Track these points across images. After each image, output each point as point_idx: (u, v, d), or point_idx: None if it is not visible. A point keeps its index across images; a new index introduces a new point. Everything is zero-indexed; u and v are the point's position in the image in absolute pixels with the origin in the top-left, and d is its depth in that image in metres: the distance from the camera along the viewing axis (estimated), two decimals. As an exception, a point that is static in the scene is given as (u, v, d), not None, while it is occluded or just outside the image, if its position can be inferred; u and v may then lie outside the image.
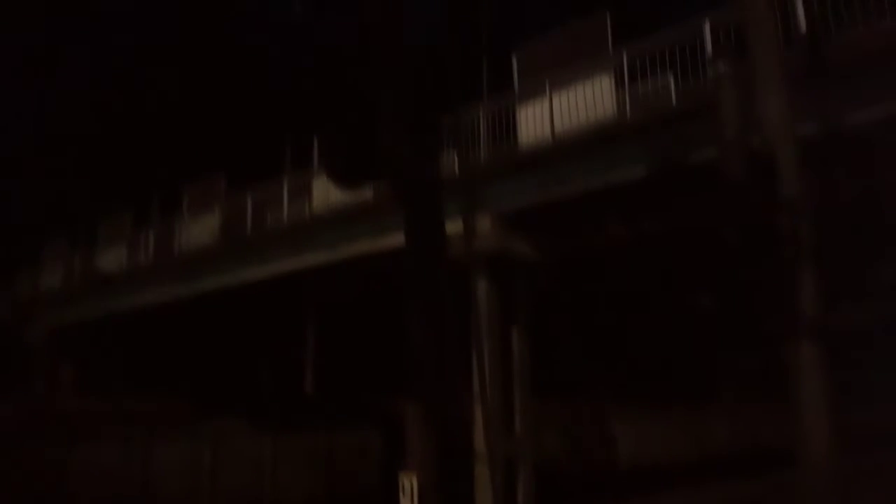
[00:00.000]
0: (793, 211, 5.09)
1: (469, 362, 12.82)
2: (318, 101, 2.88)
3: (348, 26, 3.05)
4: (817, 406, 5.25)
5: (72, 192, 27.35)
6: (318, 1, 3.12)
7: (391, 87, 2.68)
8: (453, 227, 11.27)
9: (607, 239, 13.97)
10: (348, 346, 22.65)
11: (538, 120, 13.27)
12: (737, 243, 6.58)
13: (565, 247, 14.44)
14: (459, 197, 11.62)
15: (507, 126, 13.61)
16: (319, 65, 2.95)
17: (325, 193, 16.55)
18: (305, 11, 3.12)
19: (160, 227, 21.99)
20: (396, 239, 13.06)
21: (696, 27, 10.88)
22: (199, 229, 20.02)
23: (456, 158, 13.17)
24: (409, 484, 12.63)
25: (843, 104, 9.07)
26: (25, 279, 26.85)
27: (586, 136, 12.31)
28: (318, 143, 15.06)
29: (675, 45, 11.21)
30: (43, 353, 24.86)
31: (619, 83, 12.43)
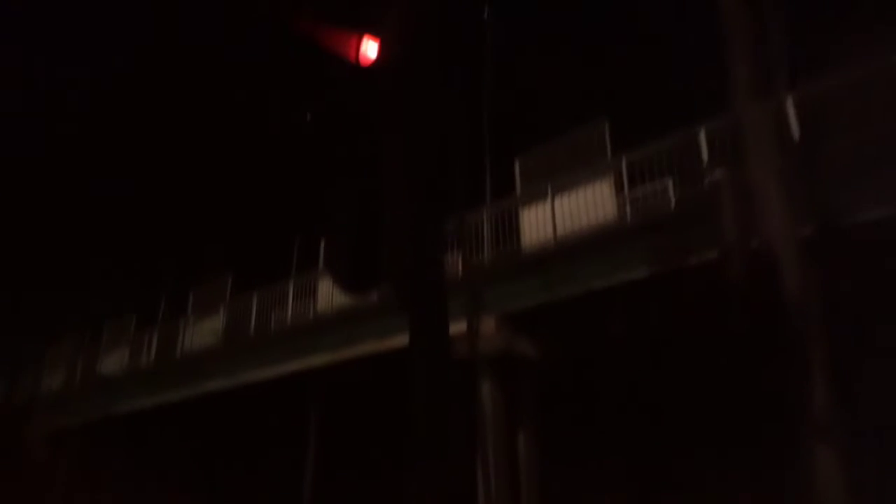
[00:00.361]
0: (799, 313, 5.09)
1: (475, 463, 12.52)
2: (321, 207, 2.96)
3: (353, 135, 3.15)
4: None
5: (77, 294, 27.50)
6: (326, 114, 3.24)
7: (396, 195, 2.76)
8: (458, 327, 11.30)
9: (612, 338, 13.90)
10: (351, 446, 22.04)
11: (541, 222, 13.52)
12: (744, 345, 6.54)
13: (570, 346, 14.36)
14: (464, 298, 11.74)
15: (510, 228, 13.86)
16: (322, 171, 3.02)
17: (330, 294, 16.64)
18: (315, 124, 3.23)
19: (163, 328, 21.96)
20: (401, 340, 12.98)
21: (693, 134, 11.27)
22: (203, 331, 19.98)
23: (460, 260, 13.36)
24: None
25: (841, 205, 9.25)
26: (26, 380, 26.59)
27: (588, 238, 12.50)
28: (323, 247, 15.29)
29: (671, 151, 11.58)
30: (41, 453, 24.28)
31: (618, 187, 12.77)
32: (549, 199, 13.43)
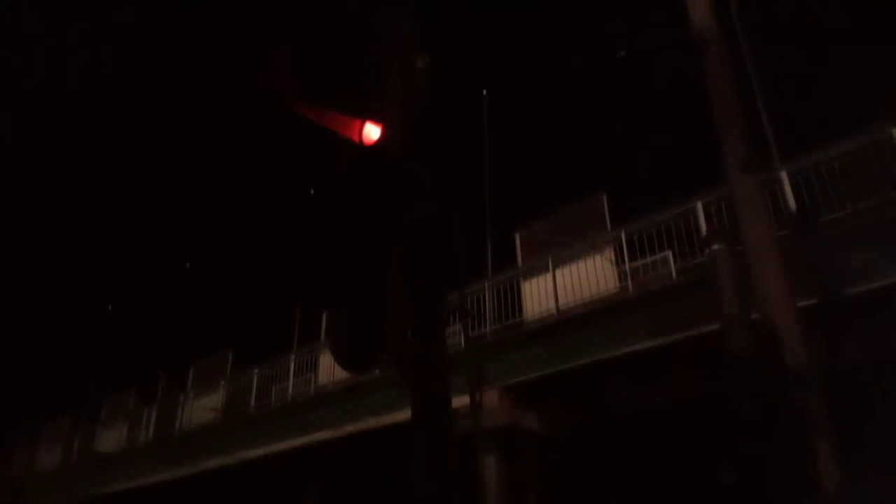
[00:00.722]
0: (802, 385, 5.08)
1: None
2: (322, 286, 3.01)
3: (354, 210, 3.23)
4: None
5: (77, 371, 27.34)
6: (330, 195, 3.34)
7: (397, 273, 2.83)
8: (460, 400, 11.19)
9: (615, 410, 13.72)
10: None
11: (542, 294, 13.57)
12: (750, 416, 6.47)
13: (574, 419, 14.15)
14: (467, 370, 11.67)
15: (511, 300, 13.89)
16: (323, 246, 3.09)
17: (331, 368, 16.52)
18: (319, 205, 3.33)
19: (163, 404, 21.71)
20: (403, 414, 12.84)
21: (690, 207, 11.46)
22: (203, 406, 19.73)
23: (462, 333, 13.33)
24: None
25: (838, 276, 9.31)
26: (23, 457, 26.08)
27: (591, 309, 12.51)
28: (325, 323, 15.30)
29: (670, 223, 11.75)
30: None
31: (619, 258, 12.88)
32: (550, 272, 13.51)
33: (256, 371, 18.95)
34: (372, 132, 3.43)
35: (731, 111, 6.50)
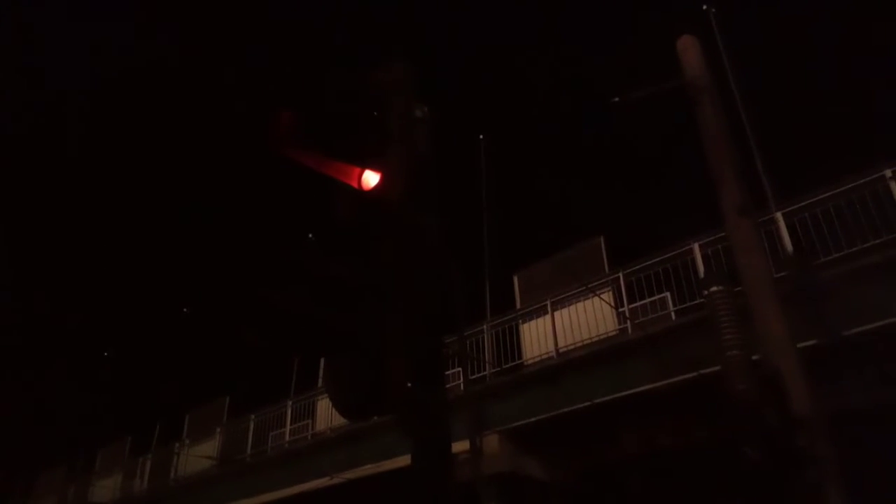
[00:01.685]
0: (808, 430, 5.04)
1: None
2: (322, 337, 3.01)
3: (353, 258, 3.25)
4: None
5: (72, 420, 27.02)
6: (328, 242, 3.36)
7: (397, 320, 2.83)
8: (461, 446, 11.03)
9: (619, 454, 13.53)
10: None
11: (541, 336, 13.51)
12: (756, 461, 6.39)
13: (577, 464, 13.94)
14: (467, 415, 11.54)
15: (510, 343, 13.84)
16: (323, 301, 3.09)
17: (329, 414, 16.34)
18: (318, 251, 3.35)
19: (158, 453, 21.37)
20: (402, 461, 12.66)
21: (687, 248, 11.52)
22: (198, 454, 19.42)
23: (461, 376, 13.24)
24: None
25: (838, 317, 9.30)
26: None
27: (590, 352, 12.46)
28: (323, 372, 15.17)
29: (668, 265, 11.80)
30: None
31: (618, 300, 12.87)
32: (549, 314, 13.49)
33: (253, 417, 18.72)
34: (371, 179, 3.48)
35: (726, 156, 6.58)
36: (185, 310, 25.79)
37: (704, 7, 14.20)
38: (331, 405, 15.40)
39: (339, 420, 15.68)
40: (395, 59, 4.11)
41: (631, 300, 12.60)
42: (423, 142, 3.92)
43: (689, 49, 7.85)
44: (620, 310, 12.78)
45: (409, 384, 2.74)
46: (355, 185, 3.49)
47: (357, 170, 3.50)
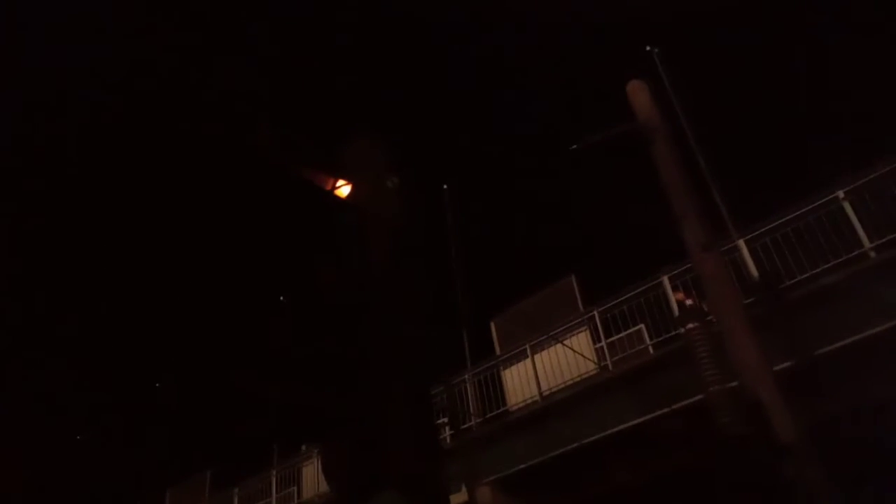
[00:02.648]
0: (794, 455, 5.15)
1: None
2: (317, 423, 3.04)
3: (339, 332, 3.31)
4: None
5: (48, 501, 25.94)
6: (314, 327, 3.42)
7: (392, 404, 2.88)
8: (455, 499, 10.86)
9: (609, 488, 13.47)
10: None
11: (524, 381, 13.53)
12: (744, 489, 6.47)
13: (569, 502, 13.82)
14: (456, 467, 11.43)
15: (493, 390, 13.82)
16: (315, 386, 3.13)
17: (316, 479, 16.00)
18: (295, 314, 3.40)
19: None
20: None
21: (658, 282, 11.76)
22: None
23: (448, 428, 13.15)
24: None
25: (807, 338, 9.54)
26: None
27: (573, 393, 12.51)
28: (321, 459, 14.84)
29: (640, 297, 12.02)
30: None
31: (594, 337, 13.00)
32: (529, 358, 13.54)
33: (237, 490, 18.24)
34: (343, 189, 3.76)
35: (684, 194, 6.83)
36: (157, 385, 25.25)
37: (648, 48, 14.78)
38: (318, 470, 15.12)
39: (325, 486, 15.37)
40: (362, 134, 4.27)
41: (608, 335, 12.74)
42: (396, 209, 4.05)
43: (638, 92, 8.18)
44: (598, 345, 12.90)
45: (410, 461, 2.77)
46: (330, 188, 3.71)
47: (332, 178, 3.72)
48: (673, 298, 11.53)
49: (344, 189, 3.80)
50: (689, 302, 12.29)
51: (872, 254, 9.63)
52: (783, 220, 10.43)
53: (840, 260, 9.80)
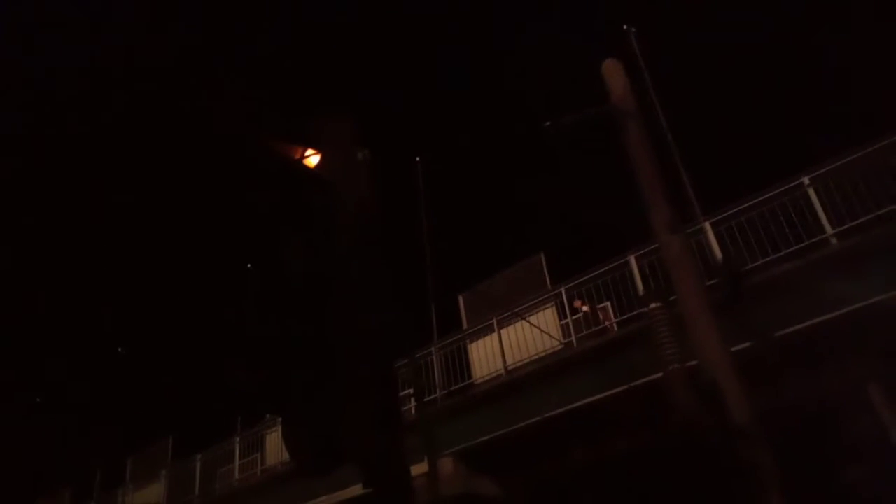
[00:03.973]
0: (747, 438, 5.29)
1: None
2: (275, 396, 3.04)
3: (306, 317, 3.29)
4: None
5: (7, 467, 25.62)
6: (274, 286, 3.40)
7: (351, 376, 2.88)
8: (416, 469, 11.01)
9: (571, 467, 13.73)
10: None
11: (489, 355, 13.66)
12: (698, 469, 6.65)
13: (529, 477, 14.07)
14: (419, 439, 11.52)
15: (459, 364, 13.93)
16: (274, 360, 3.11)
17: (279, 448, 16.05)
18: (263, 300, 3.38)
19: (101, 501, 20.50)
20: (356, 489, 12.54)
21: (624, 261, 11.91)
22: (144, 500, 18.73)
23: (413, 400, 13.24)
24: None
25: (765, 321, 9.76)
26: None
27: (537, 368, 12.66)
28: (282, 432, 14.87)
29: (606, 278, 12.17)
30: None
31: (561, 314, 13.16)
32: (495, 332, 13.65)
33: (199, 457, 18.20)
34: (312, 158, 3.79)
35: (653, 176, 6.88)
36: (119, 349, 24.95)
37: (625, 27, 14.76)
38: (281, 438, 15.12)
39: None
40: (337, 105, 4.22)
41: (574, 312, 12.91)
42: (365, 183, 4.02)
43: (613, 73, 8.17)
44: (563, 322, 13.07)
45: (368, 434, 2.79)
46: (299, 156, 3.71)
47: (300, 148, 3.70)
48: (639, 277, 11.73)
49: (313, 159, 3.76)
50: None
51: (834, 241, 9.86)
52: (748, 204, 10.61)
53: (802, 245, 10.02)
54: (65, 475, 22.75)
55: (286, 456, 15.55)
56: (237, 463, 17.18)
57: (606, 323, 12.62)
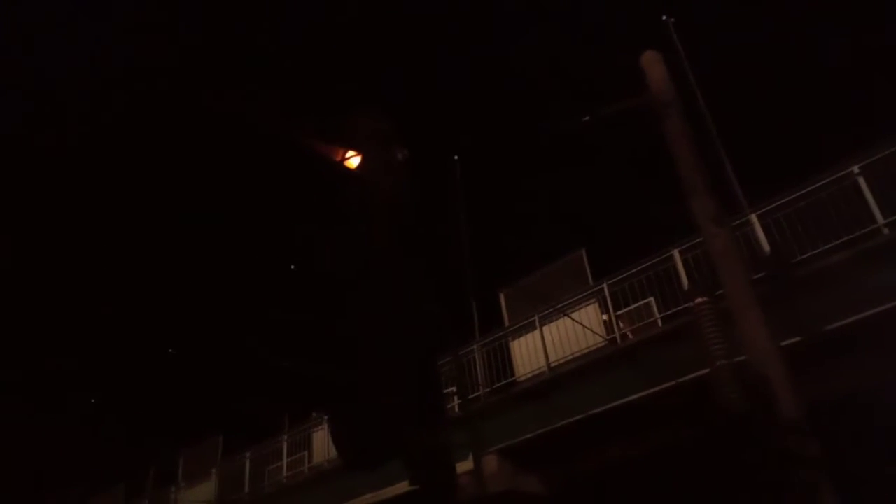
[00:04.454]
0: (799, 433, 5.17)
1: None
2: (322, 392, 3.08)
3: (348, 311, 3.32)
4: None
5: (63, 469, 26.53)
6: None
7: (395, 372, 2.91)
8: (461, 467, 11.03)
9: (612, 460, 13.62)
10: None
11: (532, 352, 13.61)
12: (747, 465, 6.52)
13: (573, 474, 13.99)
14: (463, 436, 11.57)
15: (502, 361, 13.92)
16: (320, 357, 3.16)
17: (326, 445, 16.27)
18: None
19: (153, 497, 21.06)
20: (402, 486, 12.65)
21: (668, 255, 11.73)
22: (195, 497, 19.19)
23: (456, 398, 13.28)
24: None
25: (814, 314, 9.51)
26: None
27: (580, 364, 12.58)
28: (329, 429, 15.09)
29: (650, 272, 12.00)
30: None
31: (603, 309, 13.04)
32: (537, 329, 13.60)
33: (248, 455, 18.56)
34: (353, 160, 3.79)
35: (696, 169, 6.77)
36: (170, 350, 25.58)
37: (664, 17, 14.54)
38: (328, 436, 15.32)
39: (335, 451, 15.62)
40: (374, 105, 4.27)
41: (617, 308, 12.77)
42: (406, 183, 4.05)
43: (653, 64, 8.05)
44: (605, 317, 12.94)
45: (412, 429, 2.82)
46: (340, 159, 3.74)
47: (341, 150, 3.74)
48: (683, 271, 11.55)
49: (353, 160, 3.80)
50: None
51: (885, 230, 9.56)
52: (795, 195, 10.35)
53: (853, 236, 9.73)
54: (119, 474, 23.45)
55: (333, 453, 15.77)
56: (285, 461, 17.48)
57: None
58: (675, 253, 11.65)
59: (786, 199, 10.40)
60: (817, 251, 9.92)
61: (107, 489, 23.22)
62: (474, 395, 13.89)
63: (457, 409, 13.23)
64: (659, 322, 12.23)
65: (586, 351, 12.77)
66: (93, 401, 28.19)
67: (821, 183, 10.20)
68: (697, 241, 10.59)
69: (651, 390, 11.48)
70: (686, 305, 10.60)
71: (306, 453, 17.15)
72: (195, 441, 20.73)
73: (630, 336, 12.39)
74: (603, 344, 12.68)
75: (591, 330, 12.76)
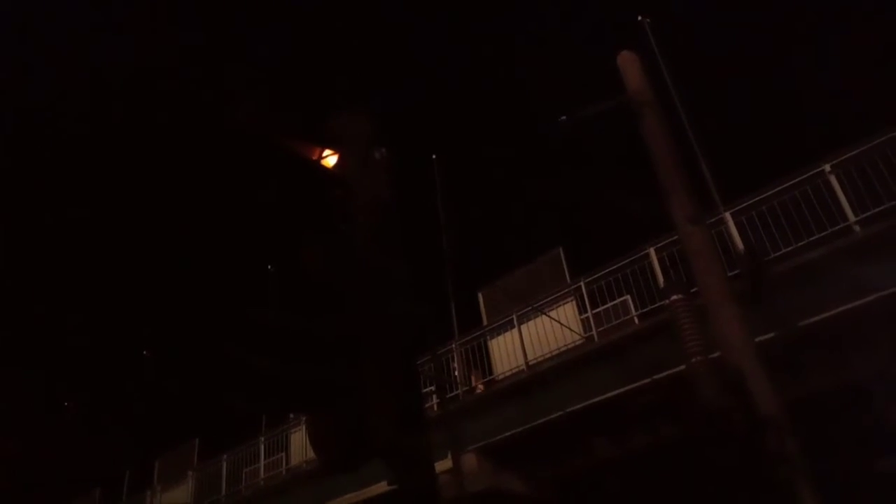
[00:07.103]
0: (775, 429, 5.24)
1: None
2: (301, 393, 3.06)
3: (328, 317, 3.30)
4: None
5: (36, 474, 26.06)
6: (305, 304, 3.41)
7: (376, 373, 2.89)
8: (440, 466, 11.02)
9: (592, 459, 13.69)
10: None
11: (510, 350, 13.65)
12: (724, 461, 6.60)
13: (553, 472, 14.05)
14: (442, 434, 11.56)
15: (480, 359, 13.93)
16: (299, 357, 3.13)
17: (304, 446, 16.16)
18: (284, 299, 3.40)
19: (129, 501, 20.80)
20: (382, 486, 12.62)
21: (644, 253, 11.83)
22: (172, 500, 18.96)
23: (435, 398, 13.27)
24: None
25: (789, 311, 9.65)
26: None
27: (559, 362, 12.63)
28: (307, 429, 15.00)
29: (626, 271, 12.10)
30: None
31: (581, 308, 13.11)
32: (515, 328, 13.63)
33: (225, 457, 18.38)
34: (330, 158, 3.75)
35: (672, 168, 6.83)
36: (145, 353, 25.22)
37: (640, 18, 14.65)
38: (305, 437, 15.22)
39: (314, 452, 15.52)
40: (353, 104, 4.24)
41: (594, 306, 12.85)
42: (383, 182, 4.03)
43: (629, 64, 8.12)
44: (584, 316, 13.01)
45: (391, 429, 2.81)
46: (316, 157, 3.71)
47: (318, 148, 3.71)
48: (659, 269, 11.65)
49: (331, 159, 3.76)
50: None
51: (857, 228, 9.72)
52: (769, 193, 10.49)
53: (825, 233, 9.89)
54: (95, 478, 23.10)
55: (311, 455, 15.67)
56: (262, 462, 17.34)
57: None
58: (651, 251, 11.75)
59: (760, 197, 10.54)
60: (790, 248, 10.07)
61: (83, 493, 22.88)
62: (453, 393, 13.89)
63: (435, 407, 13.22)
64: (636, 319, 12.34)
65: (564, 349, 12.83)
66: (66, 404, 27.71)
67: (794, 181, 10.35)
68: (674, 238, 10.70)
69: (629, 387, 11.56)
70: (662, 303, 10.72)
71: (284, 455, 17.03)
72: (171, 444, 20.50)
73: (607, 334, 12.46)
74: (581, 342, 12.76)
75: (569, 328, 12.83)
